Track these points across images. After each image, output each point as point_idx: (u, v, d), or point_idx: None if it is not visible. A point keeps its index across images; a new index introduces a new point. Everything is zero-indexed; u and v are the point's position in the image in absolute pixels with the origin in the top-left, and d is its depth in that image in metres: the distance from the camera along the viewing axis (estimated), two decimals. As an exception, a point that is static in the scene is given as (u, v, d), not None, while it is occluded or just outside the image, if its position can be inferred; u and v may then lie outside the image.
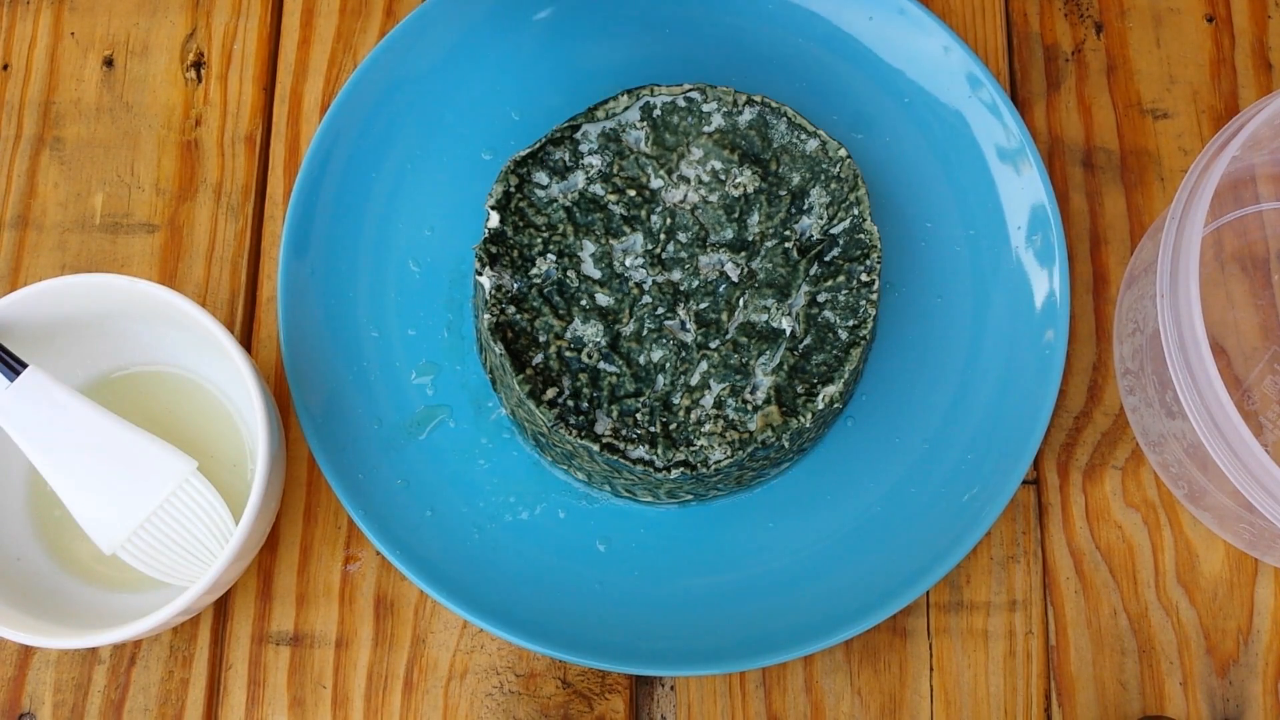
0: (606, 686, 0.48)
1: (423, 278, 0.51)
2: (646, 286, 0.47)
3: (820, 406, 0.46)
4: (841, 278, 0.47)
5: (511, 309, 0.46)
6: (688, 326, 0.47)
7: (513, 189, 0.47)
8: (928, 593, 0.49)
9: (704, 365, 0.46)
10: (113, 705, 0.48)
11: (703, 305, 0.47)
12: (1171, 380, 0.42)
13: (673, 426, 0.46)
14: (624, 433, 0.46)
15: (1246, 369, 0.50)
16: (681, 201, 0.48)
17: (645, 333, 0.47)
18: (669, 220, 0.48)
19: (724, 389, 0.46)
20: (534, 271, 0.47)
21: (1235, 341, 0.51)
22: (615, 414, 0.46)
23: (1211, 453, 0.41)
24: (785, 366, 0.46)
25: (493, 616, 0.46)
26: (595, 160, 0.48)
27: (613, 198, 0.48)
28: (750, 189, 0.48)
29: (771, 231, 0.48)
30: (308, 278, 0.50)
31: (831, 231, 0.48)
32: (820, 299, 0.47)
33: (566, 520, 0.48)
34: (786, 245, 0.47)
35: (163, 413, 0.49)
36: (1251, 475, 0.40)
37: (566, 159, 0.48)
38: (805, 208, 0.48)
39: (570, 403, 0.46)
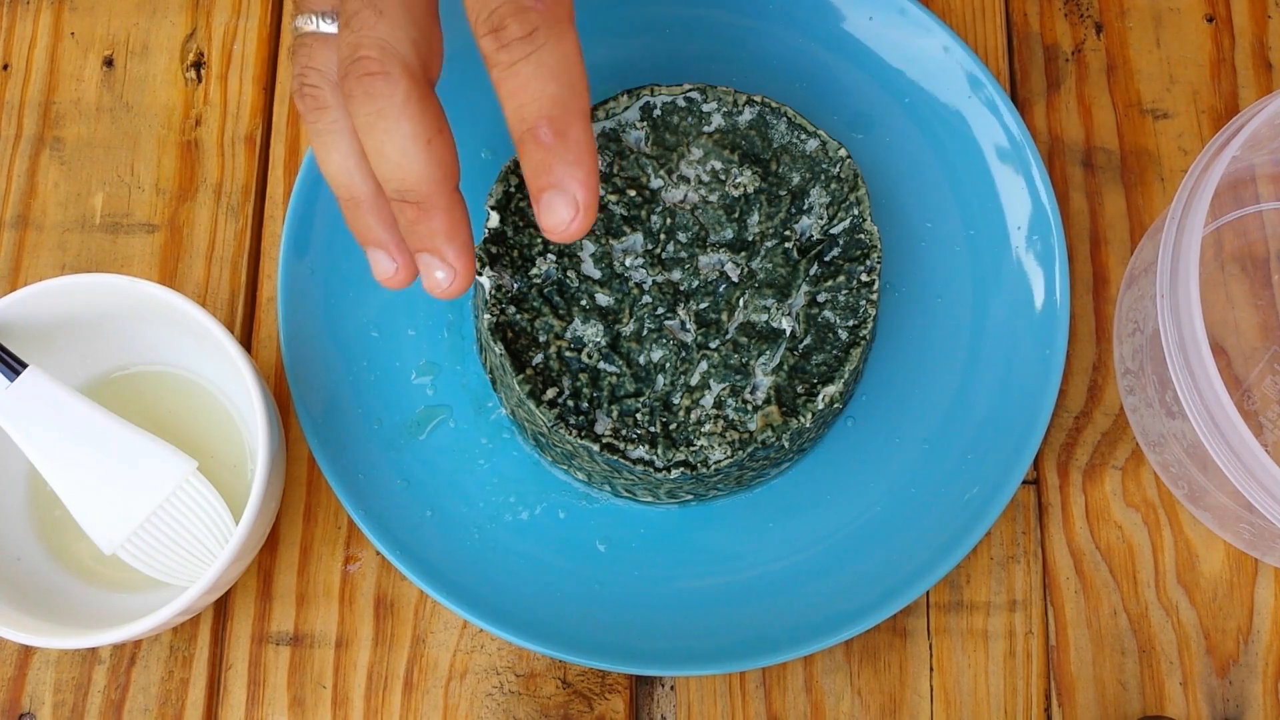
0: (606, 686, 0.48)
1: (423, 278, 0.51)
2: (646, 286, 0.47)
3: (820, 406, 0.46)
4: (841, 278, 0.47)
5: (511, 309, 0.46)
6: (688, 326, 0.47)
7: (513, 189, 0.47)
8: (928, 593, 0.49)
9: (704, 365, 0.46)
10: (113, 705, 0.48)
11: (703, 305, 0.47)
12: (1171, 380, 0.42)
13: (673, 426, 0.46)
14: (624, 433, 0.46)
15: (1246, 369, 0.50)
16: (681, 201, 0.48)
17: (645, 333, 0.47)
18: (669, 220, 0.48)
19: (724, 389, 0.46)
20: (534, 271, 0.47)
21: (1235, 341, 0.51)
22: (615, 414, 0.46)
23: (1211, 453, 0.41)
24: (785, 366, 0.46)
25: (493, 616, 0.46)
26: (595, 160, 0.48)
27: (613, 198, 0.48)
28: (750, 189, 0.48)
29: (771, 231, 0.48)
30: (308, 278, 0.50)
31: (831, 231, 0.48)
32: (820, 299, 0.47)
33: (566, 520, 0.48)
34: (786, 245, 0.47)
35: (163, 413, 0.49)
36: (1251, 475, 0.40)
37: (566, 159, 0.48)
38: (805, 208, 0.48)
39: (570, 403, 0.46)
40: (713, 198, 0.48)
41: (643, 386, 0.46)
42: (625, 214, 0.47)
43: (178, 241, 0.53)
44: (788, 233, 0.47)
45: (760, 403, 0.46)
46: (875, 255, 0.47)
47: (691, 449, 0.45)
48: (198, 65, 0.55)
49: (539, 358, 0.46)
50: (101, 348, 0.48)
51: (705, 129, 0.48)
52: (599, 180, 0.34)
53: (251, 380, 0.44)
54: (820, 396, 0.46)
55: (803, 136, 0.48)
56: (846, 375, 0.46)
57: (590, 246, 0.47)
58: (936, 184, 0.52)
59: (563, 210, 0.34)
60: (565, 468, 0.49)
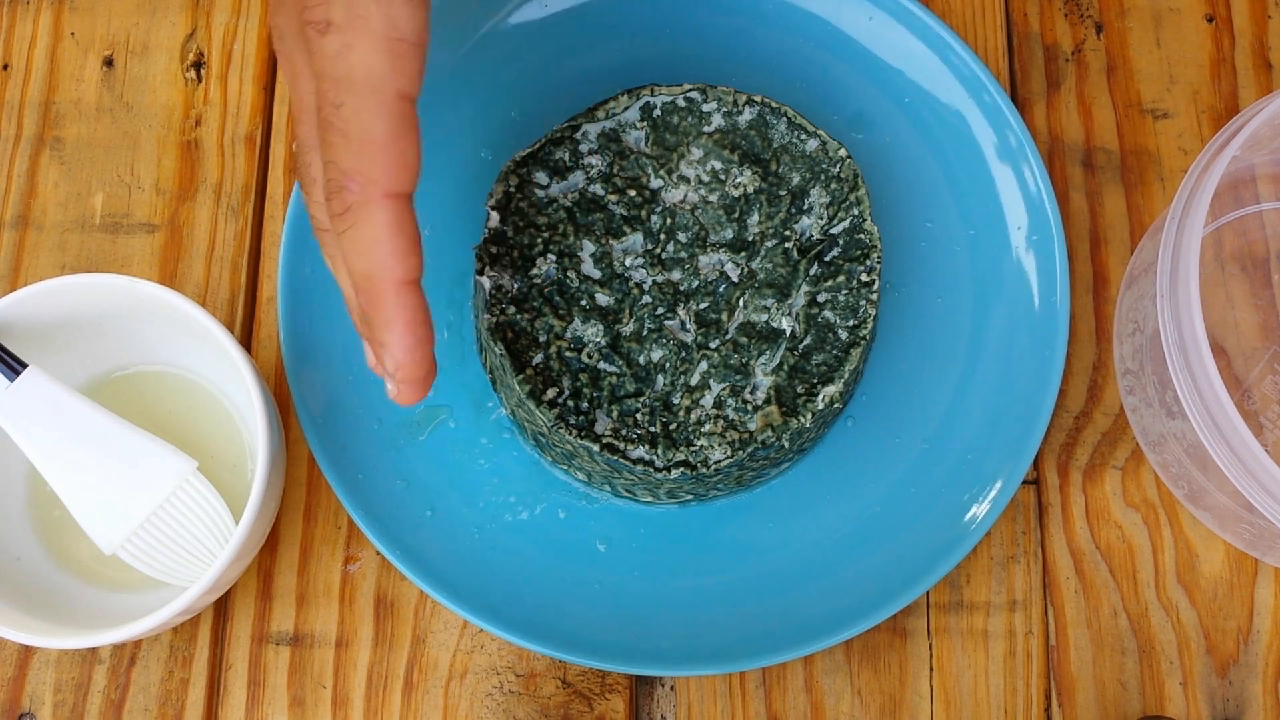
0: (606, 686, 0.48)
1: (423, 277, 0.51)
2: (646, 286, 0.47)
3: (820, 406, 0.46)
4: (841, 278, 0.47)
5: (512, 309, 0.46)
6: (688, 326, 0.47)
7: (513, 189, 0.47)
8: (928, 593, 0.49)
9: (704, 365, 0.46)
10: (113, 705, 0.48)
11: (703, 305, 0.47)
12: (1171, 380, 0.42)
13: (673, 426, 0.46)
14: (624, 433, 0.46)
15: (1246, 369, 0.50)
16: (681, 201, 0.48)
17: (645, 333, 0.47)
18: (669, 220, 0.48)
19: (724, 389, 0.46)
20: (534, 272, 0.47)
21: (1235, 341, 0.51)
22: (615, 414, 0.46)
23: (1211, 453, 0.41)
24: (785, 366, 0.46)
25: (493, 616, 0.46)
26: (595, 160, 0.48)
27: (613, 198, 0.48)
28: (750, 189, 0.48)
29: (771, 231, 0.48)
30: (308, 278, 0.50)
31: (831, 231, 0.48)
32: (820, 299, 0.47)
33: (566, 520, 0.48)
34: (786, 245, 0.47)
35: (163, 413, 0.49)
36: (1251, 475, 0.40)
37: (566, 159, 0.48)
38: (805, 208, 0.48)
39: (570, 403, 0.46)
40: (713, 198, 0.48)
41: (643, 386, 0.46)
42: (625, 214, 0.47)
43: (178, 241, 0.53)
44: (788, 233, 0.47)
45: (760, 403, 0.46)
46: (875, 255, 0.47)
47: (691, 449, 0.45)
48: (198, 65, 0.55)
49: (539, 358, 0.46)
50: (101, 348, 0.48)
51: (705, 129, 0.48)
52: (423, 327, 0.39)
53: (251, 380, 0.44)
54: (820, 396, 0.46)
55: (803, 136, 0.48)
56: (846, 375, 0.46)
57: (590, 246, 0.47)
58: (936, 184, 0.52)
59: (388, 364, 0.39)
60: (565, 468, 0.49)
